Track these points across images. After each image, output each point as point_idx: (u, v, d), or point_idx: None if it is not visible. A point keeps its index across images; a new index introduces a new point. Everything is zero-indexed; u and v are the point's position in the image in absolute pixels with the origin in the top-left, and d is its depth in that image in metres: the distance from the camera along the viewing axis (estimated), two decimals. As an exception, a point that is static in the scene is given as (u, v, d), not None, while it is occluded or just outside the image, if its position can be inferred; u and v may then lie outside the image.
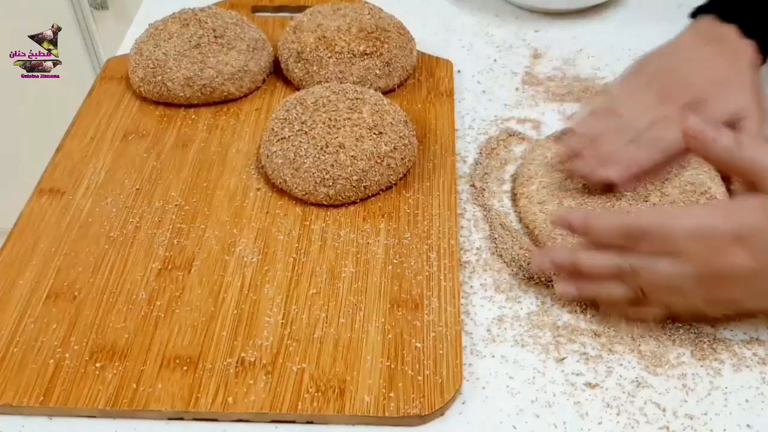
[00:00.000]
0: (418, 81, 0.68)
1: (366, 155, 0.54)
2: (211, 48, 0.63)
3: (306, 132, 0.55)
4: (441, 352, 0.46)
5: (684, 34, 0.60)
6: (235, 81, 0.64)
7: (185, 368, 0.46)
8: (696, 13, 0.61)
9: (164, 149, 0.61)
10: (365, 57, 0.63)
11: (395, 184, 0.57)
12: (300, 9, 0.74)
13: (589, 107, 0.61)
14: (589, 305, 0.50)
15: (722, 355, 0.47)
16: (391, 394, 0.44)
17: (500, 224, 0.56)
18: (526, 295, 0.51)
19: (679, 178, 0.56)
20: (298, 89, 0.65)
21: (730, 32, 0.57)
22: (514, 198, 0.58)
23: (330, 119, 0.55)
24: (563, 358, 0.47)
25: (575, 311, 0.50)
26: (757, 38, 0.56)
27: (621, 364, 0.47)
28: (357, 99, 0.57)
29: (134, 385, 0.45)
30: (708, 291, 0.45)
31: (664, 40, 0.74)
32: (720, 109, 0.54)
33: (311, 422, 0.44)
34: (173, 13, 0.67)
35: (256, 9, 0.77)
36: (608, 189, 0.55)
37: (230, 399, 0.44)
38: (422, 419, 0.44)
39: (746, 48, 0.56)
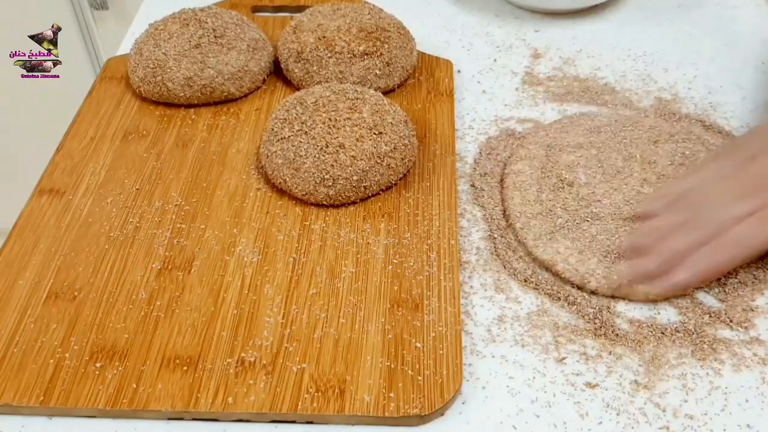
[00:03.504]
0: (418, 81, 0.68)
1: (366, 155, 0.54)
2: (211, 48, 0.63)
3: (306, 132, 0.55)
4: (441, 352, 0.46)
5: None
6: (235, 81, 0.64)
7: (185, 368, 0.46)
8: None
9: (164, 149, 0.61)
10: (365, 57, 0.63)
11: (395, 184, 0.57)
12: (300, 9, 0.74)
13: (663, 192, 0.53)
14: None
15: (722, 355, 0.47)
16: (391, 394, 0.44)
17: (499, 225, 0.56)
18: (526, 295, 0.51)
19: (670, 145, 0.57)
20: (298, 89, 0.65)
21: None
22: (502, 179, 0.59)
23: (330, 119, 0.55)
24: (563, 358, 0.47)
25: (573, 311, 0.50)
26: None
27: (621, 364, 0.47)
28: (357, 99, 0.57)
29: (134, 385, 0.45)
30: None
31: (664, 40, 0.75)
32: None
33: (311, 422, 0.44)
34: (173, 13, 0.66)
35: (256, 9, 0.77)
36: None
37: (230, 399, 0.44)
38: (422, 419, 0.44)
39: None
